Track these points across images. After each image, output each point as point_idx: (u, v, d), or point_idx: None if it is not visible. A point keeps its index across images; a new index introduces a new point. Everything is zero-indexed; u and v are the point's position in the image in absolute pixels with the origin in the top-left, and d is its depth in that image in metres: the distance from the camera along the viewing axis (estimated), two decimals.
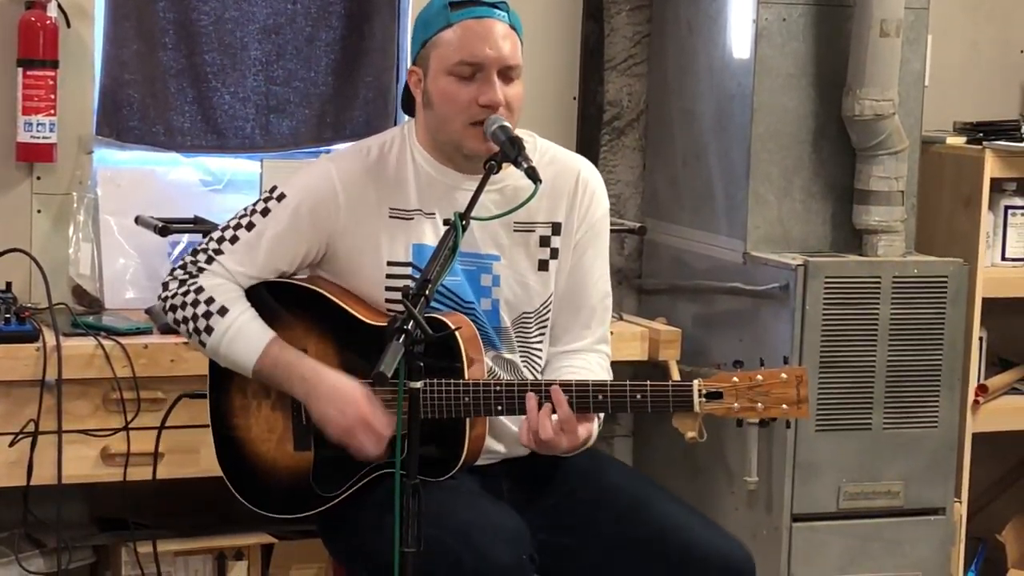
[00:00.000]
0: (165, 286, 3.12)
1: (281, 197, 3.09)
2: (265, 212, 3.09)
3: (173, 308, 3.09)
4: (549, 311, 3.17)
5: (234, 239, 3.09)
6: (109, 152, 4.12)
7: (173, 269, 3.13)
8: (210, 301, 3.05)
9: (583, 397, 2.94)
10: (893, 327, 4.05)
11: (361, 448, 2.98)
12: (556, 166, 3.16)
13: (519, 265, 3.13)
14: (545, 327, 3.17)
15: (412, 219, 3.08)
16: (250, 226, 3.09)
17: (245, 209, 3.13)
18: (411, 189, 3.09)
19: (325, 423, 3.01)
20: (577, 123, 4.52)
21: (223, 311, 3.05)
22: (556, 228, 3.15)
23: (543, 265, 3.14)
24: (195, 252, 3.11)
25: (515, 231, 3.12)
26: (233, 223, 3.11)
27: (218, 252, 3.09)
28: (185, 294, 3.07)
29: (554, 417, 2.93)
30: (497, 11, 3.02)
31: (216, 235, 3.12)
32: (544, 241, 3.14)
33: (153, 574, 3.83)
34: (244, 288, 3.09)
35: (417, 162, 3.10)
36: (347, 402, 2.98)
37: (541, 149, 3.17)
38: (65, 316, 3.72)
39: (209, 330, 3.04)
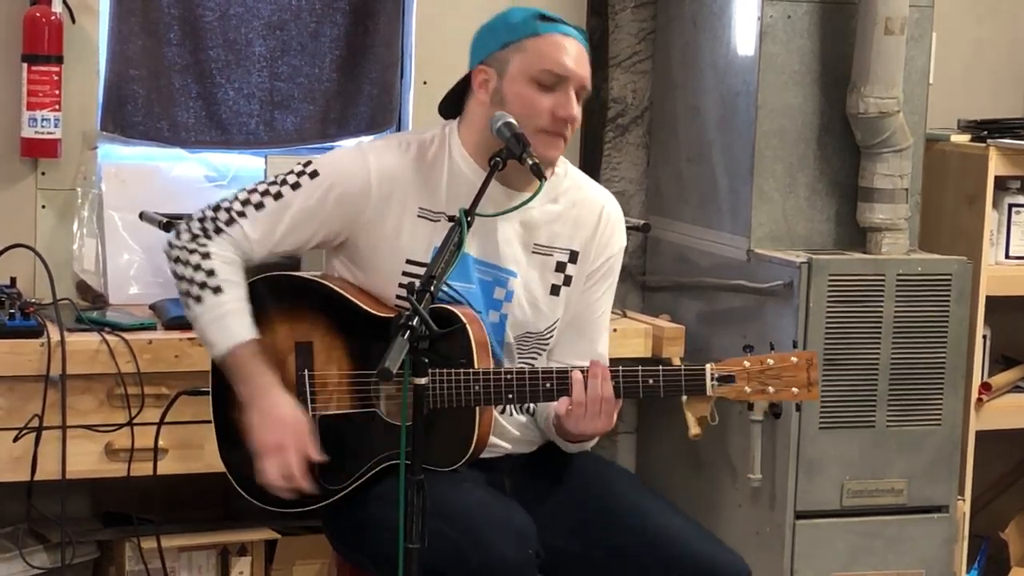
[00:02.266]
0: (178, 233, 3.06)
1: (314, 174, 3.06)
2: (296, 186, 3.05)
3: (176, 260, 3.03)
4: (552, 335, 3.17)
5: (259, 205, 3.04)
6: (113, 147, 4.12)
7: (191, 220, 3.07)
8: (211, 273, 3.00)
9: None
10: (897, 325, 4.05)
11: (263, 472, 2.95)
12: (582, 194, 3.18)
13: (533, 286, 3.13)
14: (543, 348, 3.18)
15: (438, 221, 3.05)
16: (278, 196, 3.05)
17: (276, 177, 3.08)
18: (442, 191, 3.07)
19: (251, 432, 2.98)
20: (581, 120, 4.51)
21: (217, 290, 3.00)
22: (573, 256, 3.15)
23: (555, 290, 3.14)
24: (216, 208, 3.06)
25: (534, 252, 3.12)
26: (261, 188, 3.06)
27: (241, 215, 3.04)
28: (192, 252, 3.02)
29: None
30: (582, 37, 3.09)
31: (242, 196, 3.06)
32: (560, 267, 3.15)
33: (157, 569, 3.82)
34: (255, 260, 3.06)
35: (455, 163, 3.08)
36: (275, 425, 2.94)
37: (571, 175, 3.19)
38: (69, 311, 3.72)
39: (199, 299, 3.00)
